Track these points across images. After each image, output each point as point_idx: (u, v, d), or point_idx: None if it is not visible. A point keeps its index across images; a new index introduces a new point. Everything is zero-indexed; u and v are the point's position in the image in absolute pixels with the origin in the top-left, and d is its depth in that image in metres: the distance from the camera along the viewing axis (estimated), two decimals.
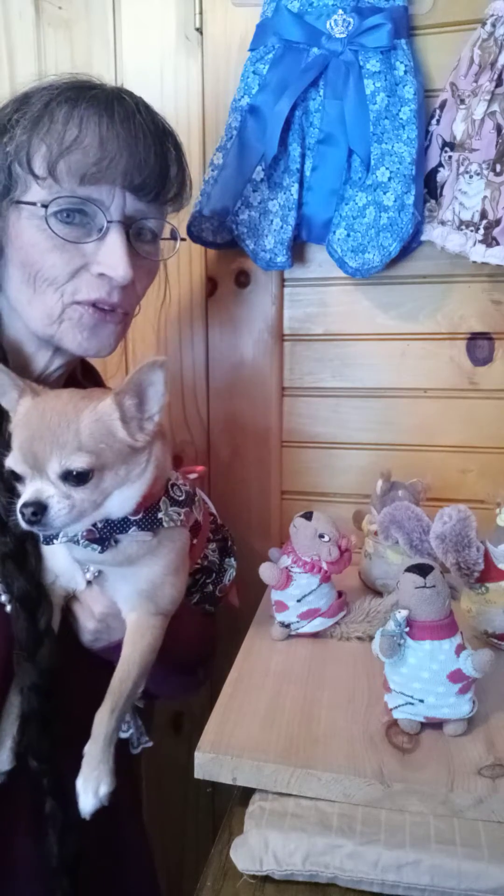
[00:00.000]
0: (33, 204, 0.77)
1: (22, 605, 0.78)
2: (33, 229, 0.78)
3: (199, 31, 1.22)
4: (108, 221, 0.78)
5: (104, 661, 0.84)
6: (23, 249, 0.79)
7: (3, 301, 0.86)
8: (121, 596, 0.82)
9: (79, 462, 0.70)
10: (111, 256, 0.78)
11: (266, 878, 0.69)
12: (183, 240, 0.92)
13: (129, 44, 1.25)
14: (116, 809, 0.76)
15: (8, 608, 0.80)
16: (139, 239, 0.83)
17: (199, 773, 0.75)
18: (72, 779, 0.74)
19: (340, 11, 1.08)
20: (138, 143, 0.77)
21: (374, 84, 1.08)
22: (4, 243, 0.81)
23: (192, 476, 0.92)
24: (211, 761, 0.75)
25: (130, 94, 0.80)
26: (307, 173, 1.14)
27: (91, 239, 0.79)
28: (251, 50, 1.14)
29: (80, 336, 0.82)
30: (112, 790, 0.74)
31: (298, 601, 0.97)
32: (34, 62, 1.28)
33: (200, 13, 1.21)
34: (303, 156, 1.14)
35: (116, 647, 0.82)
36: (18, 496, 0.72)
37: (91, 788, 0.73)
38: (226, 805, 0.80)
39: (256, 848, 0.68)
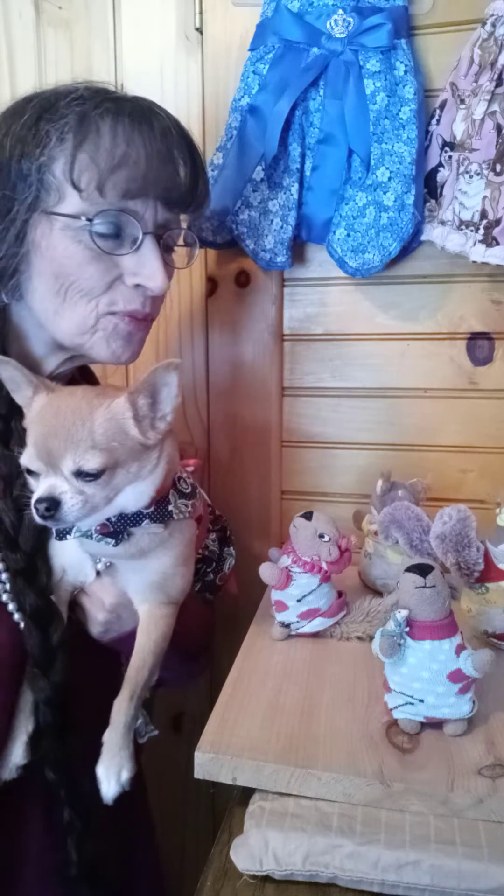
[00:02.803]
0: (76, 217, 0.76)
1: (34, 620, 0.79)
2: (68, 240, 0.77)
3: (199, 31, 1.22)
4: (144, 233, 0.79)
5: (114, 667, 0.84)
6: (56, 261, 0.78)
7: (19, 310, 0.85)
8: (132, 587, 0.83)
9: (92, 459, 0.71)
10: (149, 268, 0.80)
11: (266, 878, 0.69)
12: (201, 247, 0.93)
13: (129, 44, 1.25)
14: (127, 808, 0.76)
15: (15, 617, 0.80)
16: (164, 250, 0.84)
17: (199, 773, 0.75)
18: (86, 786, 0.74)
19: (340, 11, 1.08)
20: (175, 159, 0.79)
21: (374, 84, 1.08)
22: (32, 254, 0.79)
23: (189, 469, 0.93)
24: (211, 761, 0.75)
25: (158, 107, 0.81)
26: (307, 173, 1.14)
27: (125, 250, 0.79)
28: (251, 50, 1.14)
29: (115, 345, 0.83)
30: (133, 775, 0.74)
31: (298, 601, 0.97)
32: (34, 62, 1.28)
33: (200, 13, 1.21)
34: (303, 156, 1.14)
35: (127, 638, 0.83)
36: (32, 492, 0.72)
37: (113, 774, 0.73)
38: (226, 805, 0.80)
39: (256, 848, 0.69)
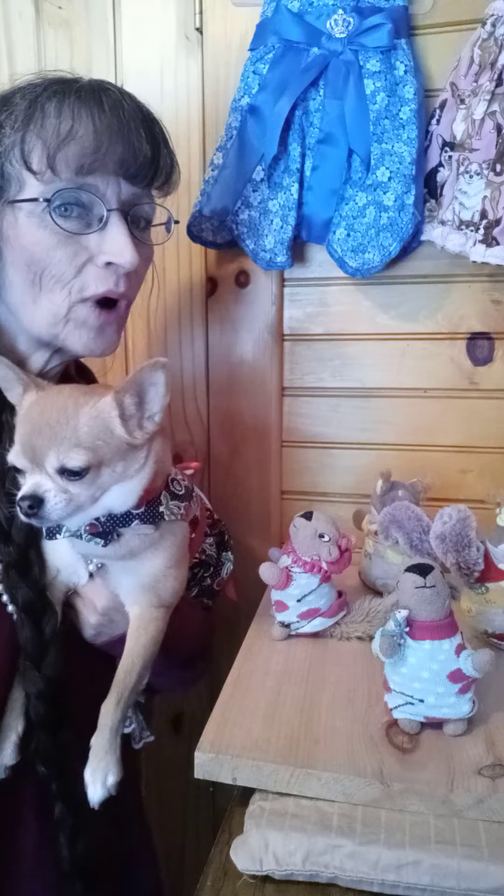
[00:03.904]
0: (34, 200, 0.77)
1: (27, 614, 0.79)
2: (34, 227, 0.78)
3: (199, 31, 1.21)
4: (108, 210, 0.79)
5: (107, 663, 0.84)
6: (26, 250, 0.79)
7: (0, 307, 0.85)
8: (123, 590, 0.82)
9: (76, 457, 0.70)
10: (116, 244, 0.79)
11: (266, 878, 0.69)
12: (177, 222, 0.92)
13: (129, 44, 1.25)
14: (122, 808, 0.76)
15: (9, 609, 0.80)
16: (135, 226, 0.83)
17: (199, 773, 0.75)
18: (79, 781, 0.74)
19: (340, 11, 1.08)
20: (130, 131, 0.78)
21: (374, 84, 1.08)
22: (2, 247, 0.80)
23: (189, 472, 0.93)
24: (211, 761, 0.75)
25: (112, 84, 0.81)
26: (307, 173, 1.14)
27: (92, 230, 0.79)
28: (251, 50, 1.14)
29: (87, 336, 0.83)
30: (119, 780, 0.74)
31: (298, 601, 0.97)
32: (34, 62, 1.28)
33: (200, 13, 1.21)
34: (303, 155, 1.13)
35: (119, 641, 0.82)
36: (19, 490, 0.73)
37: (99, 779, 0.73)
38: (226, 805, 0.80)
39: (256, 848, 0.69)
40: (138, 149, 0.78)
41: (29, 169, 0.76)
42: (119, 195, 0.80)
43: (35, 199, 0.77)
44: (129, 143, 0.78)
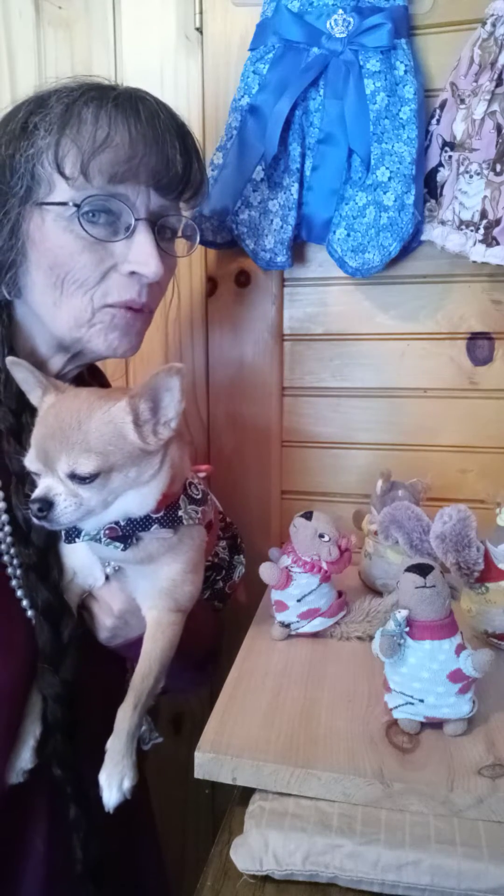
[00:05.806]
0: (63, 204, 0.76)
1: (45, 616, 0.79)
2: (60, 231, 0.77)
3: (199, 30, 1.22)
4: (136, 219, 0.78)
5: (120, 666, 0.84)
6: (50, 252, 0.78)
7: (21, 307, 0.85)
8: (141, 593, 0.82)
9: (85, 463, 0.70)
10: (142, 254, 0.79)
11: (266, 878, 0.69)
12: (202, 245, 0.92)
13: (129, 44, 1.25)
14: (131, 810, 0.76)
15: (28, 614, 0.80)
16: (161, 237, 0.83)
17: (199, 773, 0.75)
18: (93, 785, 0.74)
19: (340, 11, 1.08)
20: (164, 142, 0.78)
21: (374, 84, 1.07)
22: (28, 247, 0.80)
23: (201, 475, 0.93)
24: (211, 761, 0.75)
25: (148, 94, 0.81)
26: (307, 173, 1.14)
27: (119, 238, 0.79)
28: (251, 49, 1.14)
29: (112, 337, 0.82)
30: (135, 784, 0.74)
31: (298, 601, 0.97)
32: (34, 62, 1.28)
33: (200, 13, 1.21)
34: (303, 155, 1.14)
35: (133, 644, 0.82)
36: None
37: (115, 783, 0.73)
38: (226, 805, 0.80)
39: (256, 848, 0.69)
40: (171, 160, 0.78)
41: (61, 173, 0.76)
42: (148, 205, 0.80)
43: (65, 203, 0.76)
44: (163, 153, 0.78)
